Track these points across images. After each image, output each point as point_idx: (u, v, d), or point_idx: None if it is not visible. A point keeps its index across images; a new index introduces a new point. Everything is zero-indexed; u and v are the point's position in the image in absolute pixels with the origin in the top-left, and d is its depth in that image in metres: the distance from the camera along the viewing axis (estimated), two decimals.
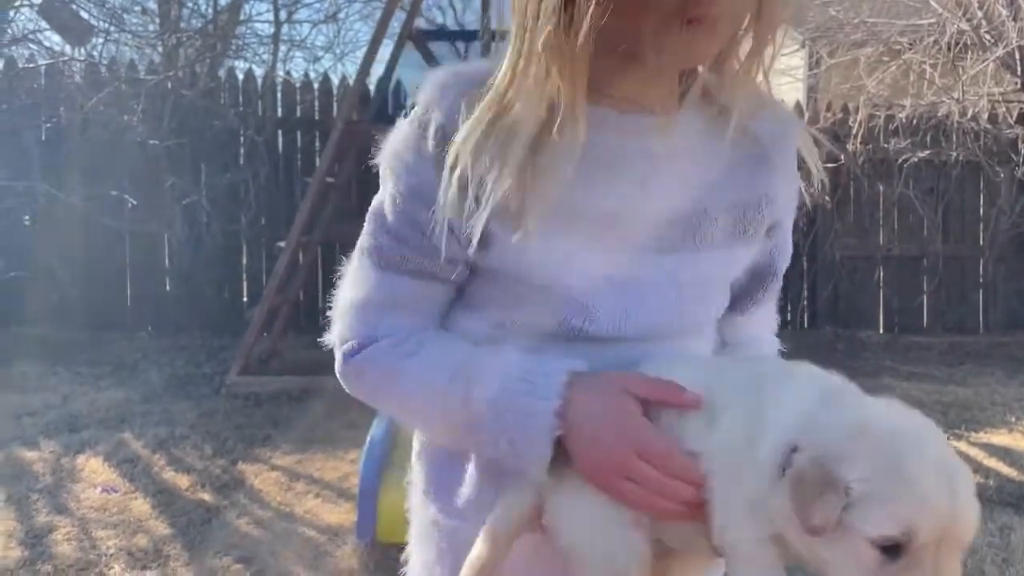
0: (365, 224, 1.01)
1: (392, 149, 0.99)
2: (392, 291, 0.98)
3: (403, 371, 0.97)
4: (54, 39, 8.09)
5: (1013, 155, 7.91)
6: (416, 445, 1.09)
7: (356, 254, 1.01)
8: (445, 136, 0.93)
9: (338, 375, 1.02)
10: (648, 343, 0.97)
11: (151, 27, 8.75)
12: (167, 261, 7.32)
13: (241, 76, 7.54)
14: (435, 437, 1.04)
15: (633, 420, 0.88)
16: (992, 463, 4.25)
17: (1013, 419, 5.13)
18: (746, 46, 0.91)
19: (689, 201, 0.95)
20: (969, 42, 7.46)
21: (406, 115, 1.00)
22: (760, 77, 0.93)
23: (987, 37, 7.31)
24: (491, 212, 0.90)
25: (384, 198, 0.99)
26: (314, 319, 7.41)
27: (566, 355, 0.93)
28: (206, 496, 3.63)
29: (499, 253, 0.94)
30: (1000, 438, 4.72)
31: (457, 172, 0.91)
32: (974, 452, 4.43)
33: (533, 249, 0.92)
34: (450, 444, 1.02)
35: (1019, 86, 7.47)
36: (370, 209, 1.01)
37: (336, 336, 1.02)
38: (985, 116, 7.93)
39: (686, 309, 0.98)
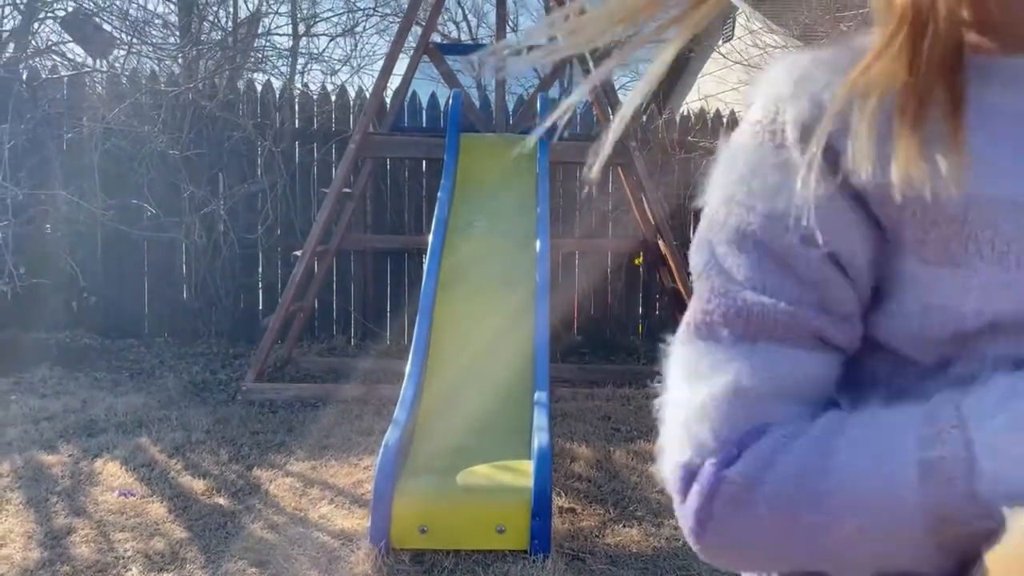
0: (695, 291, 0.67)
1: (727, 178, 0.66)
2: (766, 369, 0.63)
3: (828, 468, 0.58)
4: (76, 51, 8.22)
5: None
6: None
7: (684, 336, 0.66)
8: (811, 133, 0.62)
9: (690, 516, 0.62)
10: None
11: (172, 40, 8.88)
12: (184, 269, 7.41)
13: (260, 88, 7.65)
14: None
15: None
16: None
17: None
18: None
19: None
20: None
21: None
22: None
23: None
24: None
25: (721, 245, 0.66)
26: (328, 327, 7.49)
27: None
28: (222, 501, 3.68)
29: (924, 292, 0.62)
30: None
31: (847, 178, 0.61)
32: None
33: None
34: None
35: None
36: (698, 268, 0.68)
37: (675, 452, 0.64)
38: None
39: None
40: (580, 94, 0.74)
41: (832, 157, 0.61)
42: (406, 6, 6.85)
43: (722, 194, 0.66)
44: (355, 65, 13.62)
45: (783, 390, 0.63)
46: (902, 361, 0.64)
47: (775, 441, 0.60)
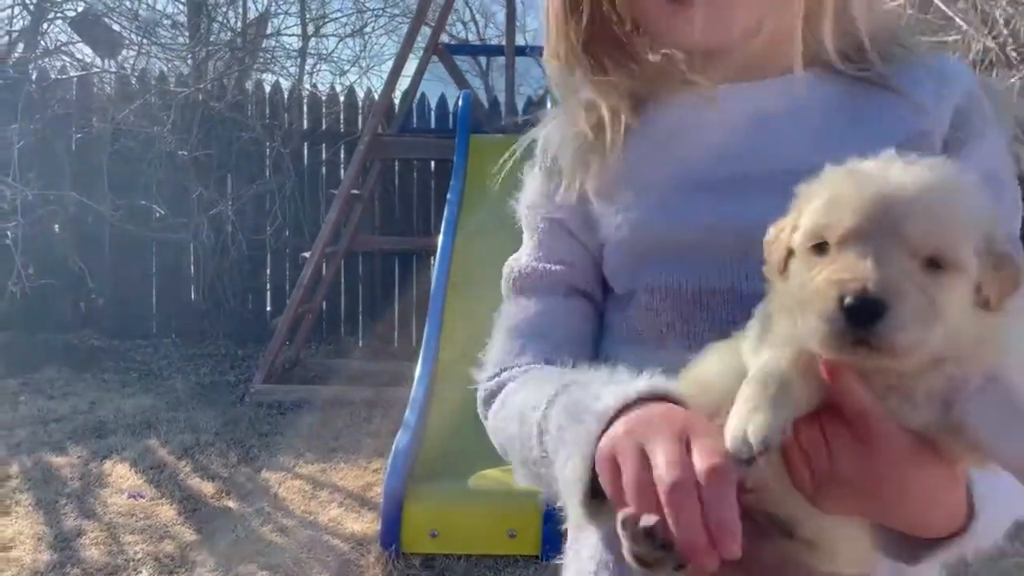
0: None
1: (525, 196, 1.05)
2: (524, 313, 0.96)
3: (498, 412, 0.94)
4: (86, 51, 8.22)
5: None
6: None
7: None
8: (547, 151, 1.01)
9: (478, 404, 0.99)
10: None
11: (181, 40, 8.87)
12: (193, 270, 7.41)
13: (268, 89, 7.64)
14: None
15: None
16: None
17: None
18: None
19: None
20: (995, 60, 7.44)
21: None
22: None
23: (1013, 55, 7.28)
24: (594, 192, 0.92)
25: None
26: (336, 329, 7.47)
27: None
28: (231, 503, 3.67)
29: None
30: None
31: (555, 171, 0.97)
32: None
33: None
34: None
35: None
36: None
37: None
38: (1010, 135, 7.89)
39: None
40: None
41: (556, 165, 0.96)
42: (415, 7, 6.83)
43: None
44: (364, 66, 13.58)
45: (535, 330, 0.94)
46: (613, 295, 0.93)
47: (510, 375, 0.92)
